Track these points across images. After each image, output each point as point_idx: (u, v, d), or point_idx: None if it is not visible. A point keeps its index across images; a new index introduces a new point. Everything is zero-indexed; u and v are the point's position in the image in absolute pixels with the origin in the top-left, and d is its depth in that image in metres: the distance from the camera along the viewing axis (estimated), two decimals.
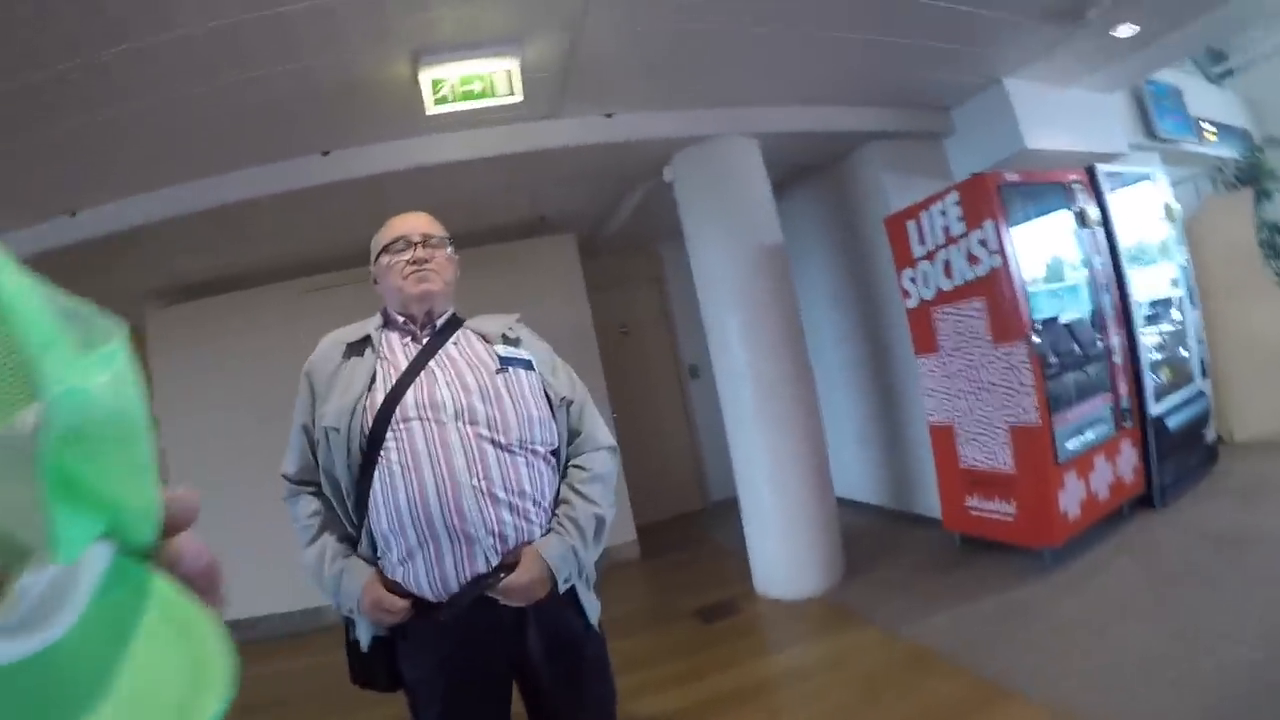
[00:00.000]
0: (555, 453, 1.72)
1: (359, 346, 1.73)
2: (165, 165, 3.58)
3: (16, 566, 0.31)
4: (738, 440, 4.49)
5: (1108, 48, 4.46)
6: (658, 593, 5.11)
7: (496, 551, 1.54)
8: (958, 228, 4.11)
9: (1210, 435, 4.79)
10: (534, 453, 1.64)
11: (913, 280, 4.53)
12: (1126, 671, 2.78)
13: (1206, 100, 7.51)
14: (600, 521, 1.69)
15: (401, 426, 1.56)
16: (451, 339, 1.74)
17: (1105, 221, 4.35)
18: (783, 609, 4.28)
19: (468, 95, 3.25)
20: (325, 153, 3.80)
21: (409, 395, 1.59)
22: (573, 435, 1.77)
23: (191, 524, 0.42)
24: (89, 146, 3.20)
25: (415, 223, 1.80)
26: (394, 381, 1.62)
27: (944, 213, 4.19)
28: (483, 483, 1.53)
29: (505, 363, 1.70)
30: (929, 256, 4.37)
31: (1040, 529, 3.89)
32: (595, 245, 6.51)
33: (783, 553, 4.39)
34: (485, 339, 1.76)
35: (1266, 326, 5.10)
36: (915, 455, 5.17)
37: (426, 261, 1.75)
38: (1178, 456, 4.42)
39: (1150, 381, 4.38)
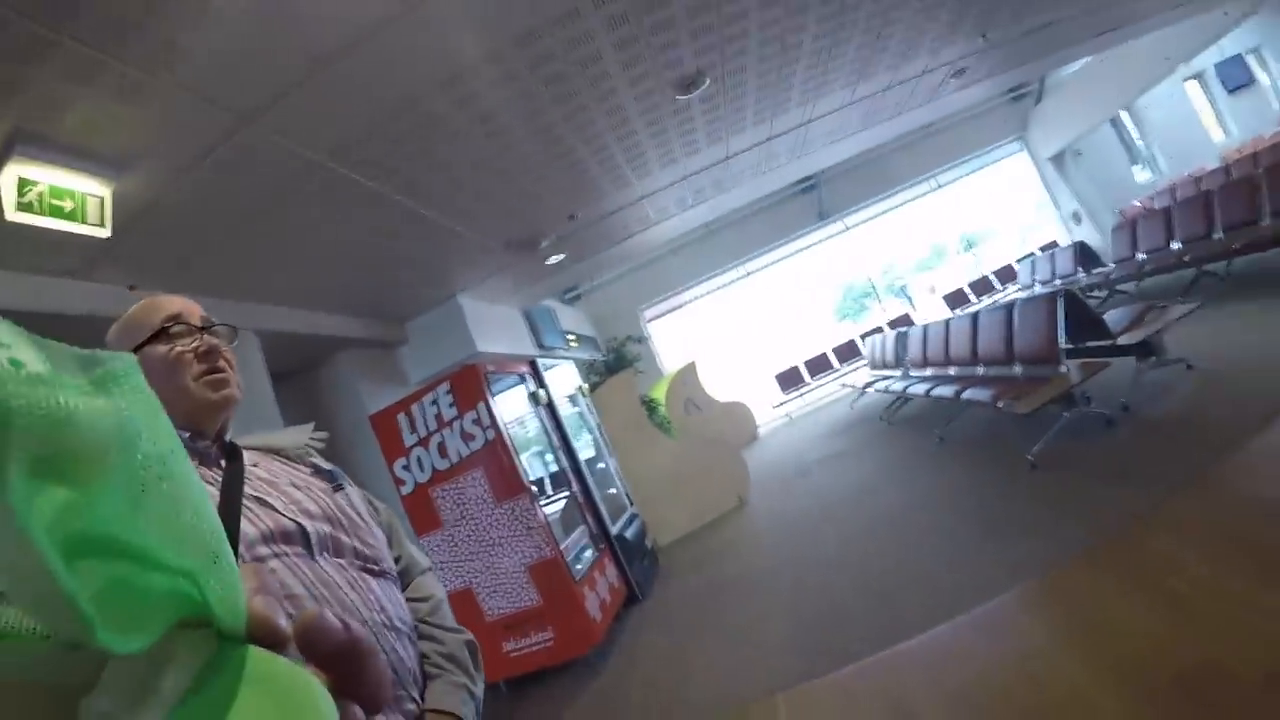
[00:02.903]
0: None
1: None
2: None
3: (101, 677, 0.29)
4: None
5: (534, 273, 5.82)
6: None
7: (416, 700, 1.25)
8: (450, 413, 4.82)
9: (650, 542, 6.11)
10: (395, 578, 1.37)
11: (405, 468, 5.09)
12: (726, 666, 3.87)
13: (568, 317, 9.81)
14: (474, 649, 1.42)
15: None
16: (249, 461, 1.33)
17: (549, 398, 5.46)
18: None
19: (56, 211, 2.77)
20: None
21: (246, 529, 1.16)
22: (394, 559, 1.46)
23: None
24: None
25: (189, 305, 1.35)
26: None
27: (435, 402, 4.86)
28: (380, 615, 1.22)
29: (335, 478, 1.41)
30: (422, 443, 5.01)
31: (580, 637, 4.68)
32: None
33: None
34: (283, 456, 1.41)
35: (658, 461, 6.79)
36: None
37: (220, 353, 1.33)
38: (639, 562, 5.60)
39: (604, 511, 5.46)
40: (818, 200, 12.68)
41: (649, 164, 5.54)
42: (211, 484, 1.21)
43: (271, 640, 0.34)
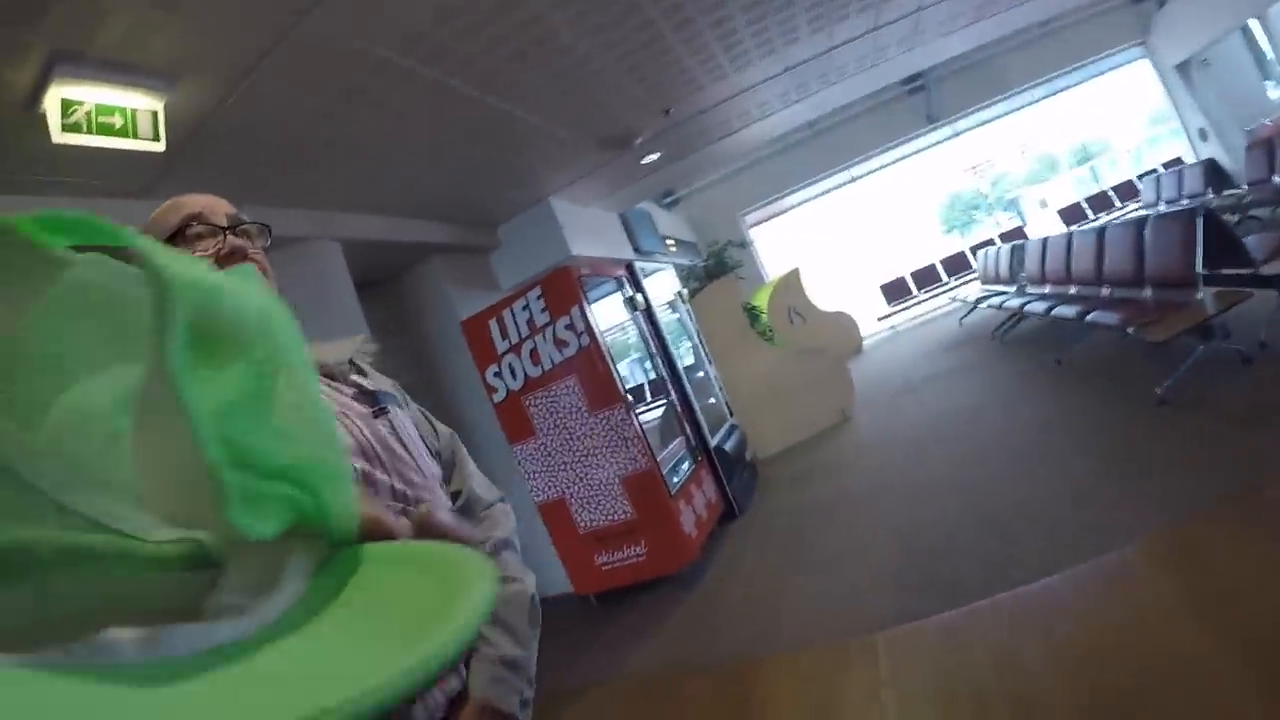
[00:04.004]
0: None
1: None
2: None
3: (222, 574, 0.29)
4: None
5: (630, 173, 5.39)
6: None
7: (460, 671, 1.09)
8: (542, 318, 4.57)
9: (750, 455, 5.79)
10: None
11: (498, 375, 4.87)
12: (824, 595, 3.60)
13: (666, 222, 9.34)
14: (533, 601, 1.23)
15: None
16: None
17: (647, 303, 5.10)
18: None
19: (105, 129, 2.60)
20: None
21: None
22: (451, 494, 1.27)
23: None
24: None
25: (214, 202, 1.17)
26: None
27: (527, 307, 4.61)
28: None
29: (380, 401, 1.20)
30: (514, 349, 4.77)
31: (674, 554, 4.47)
32: None
33: None
34: (326, 374, 1.20)
35: (759, 371, 6.38)
36: (526, 542, 5.24)
37: (246, 256, 1.13)
38: (738, 476, 5.29)
39: (703, 422, 5.15)
40: (926, 102, 11.61)
41: (747, 53, 5.00)
42: None
43: (387, 539, 0.34)
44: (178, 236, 1.12)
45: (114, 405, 0.30)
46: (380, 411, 1.17)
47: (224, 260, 1.10)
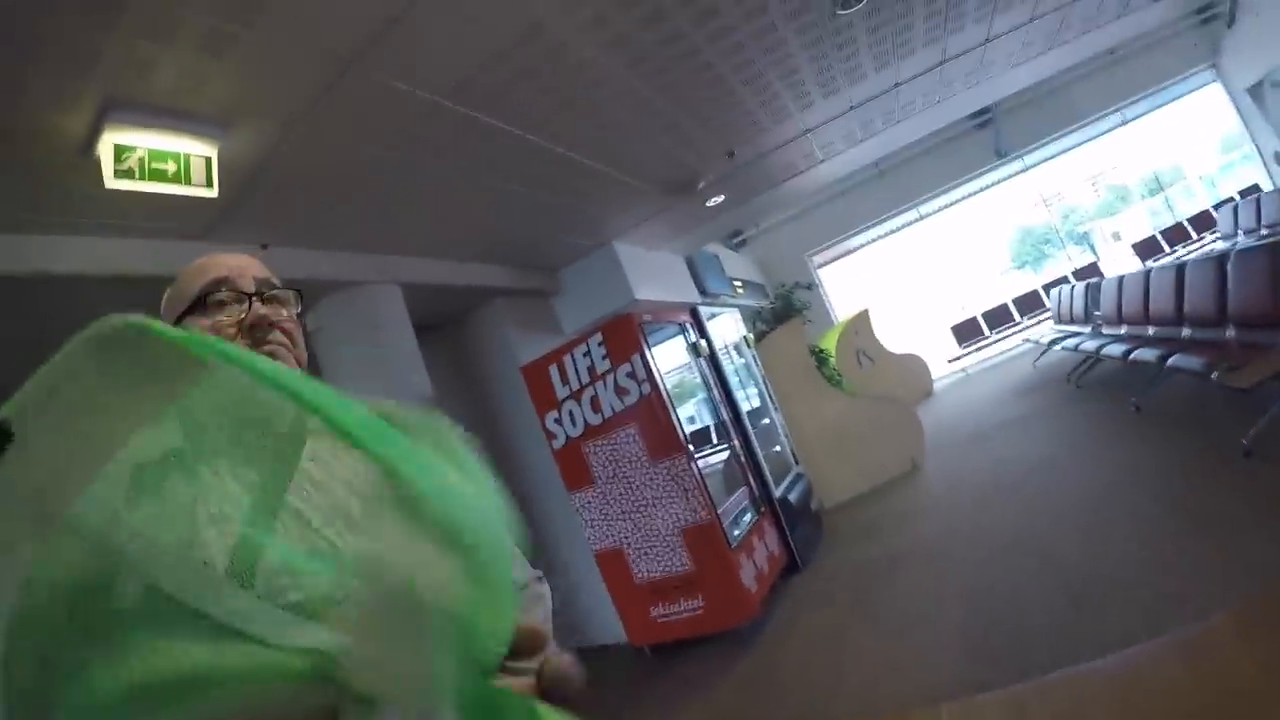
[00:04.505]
0: None
1: None
2: None
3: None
4: None
5: (695, 215, 5.34)
6: None
7: None
8: (603, 365, 4.50)
9: (815, 505, 5.57)
10: None
11: (557, 421, 4.81)
12: (887, 657, 3.40)
13: (734, 264, 9.25)
14: None
15: None
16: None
17: (710, 349, 5.00)
18: None
19: (158, 175, 2.59)
20: None
21: None
22: None
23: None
24: None
25: (244, 264, 1.10)
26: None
27: (588, 354, 4.55)
28: None
29: None
30: (574, 396, 4.70)
31: (732, 609, 4.34)
32: None
33: None
34: None
35: (827, 416, 6.17)
36: (581, 588, 5.31)
37: (273, 325, 1.05)
38: (802, 527, 5.08)
39: (767, 471, 4.98)
40: (994, 137, 11.35)
41: (810, 94, 4.91)
42: None
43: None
44: (198, 304, 1.04)
45: (248, 513, 0.34)
46: None
47: (247, 331, 1.02)
